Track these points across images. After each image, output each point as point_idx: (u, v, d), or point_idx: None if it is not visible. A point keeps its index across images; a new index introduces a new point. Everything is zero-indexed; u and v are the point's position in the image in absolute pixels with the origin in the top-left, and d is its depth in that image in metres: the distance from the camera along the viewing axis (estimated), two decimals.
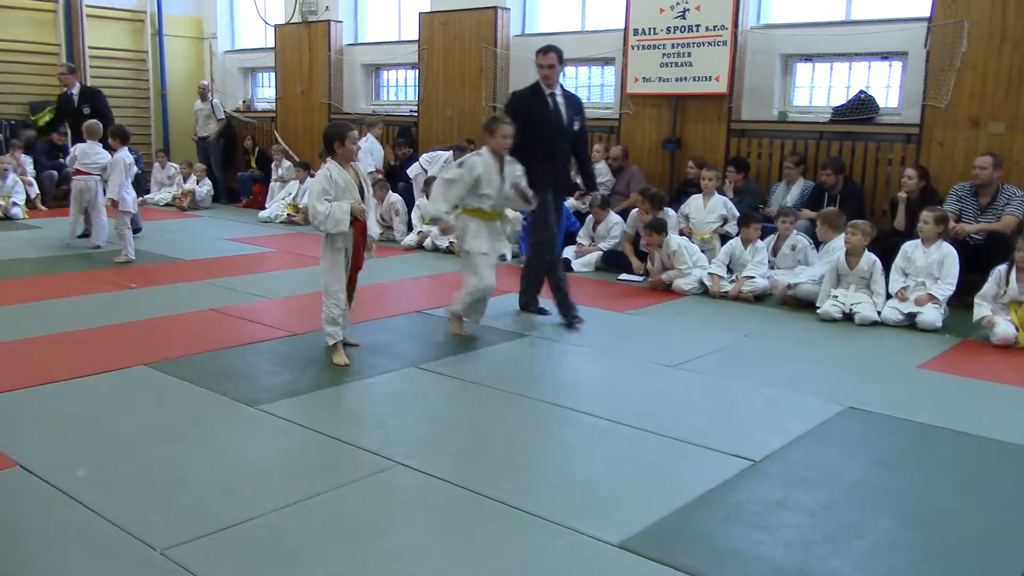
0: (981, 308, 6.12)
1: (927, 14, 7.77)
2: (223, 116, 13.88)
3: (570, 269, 8.50)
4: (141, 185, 12.90)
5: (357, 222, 5.17)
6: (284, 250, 9.56)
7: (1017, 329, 5.93)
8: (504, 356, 5.50)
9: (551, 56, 6.13)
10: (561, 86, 6.30)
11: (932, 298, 6.41)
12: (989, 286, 6.17)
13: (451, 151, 10.35)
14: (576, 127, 6.32)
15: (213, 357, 5.30)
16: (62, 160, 12.87)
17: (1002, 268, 6.14)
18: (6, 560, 2.91)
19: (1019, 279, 6.04)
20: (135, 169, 8.85)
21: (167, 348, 5.43)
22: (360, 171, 5.37)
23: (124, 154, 8.46)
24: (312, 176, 11.92)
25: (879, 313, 6.48)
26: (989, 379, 5.22)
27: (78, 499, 3.31)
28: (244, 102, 15.03)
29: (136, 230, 9.75)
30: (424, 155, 10.72)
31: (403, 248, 9.70)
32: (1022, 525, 3.31)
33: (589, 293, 7.47)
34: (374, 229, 5.46)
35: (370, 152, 10.76)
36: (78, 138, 9.91)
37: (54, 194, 12.61)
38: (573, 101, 6.36)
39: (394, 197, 10.33)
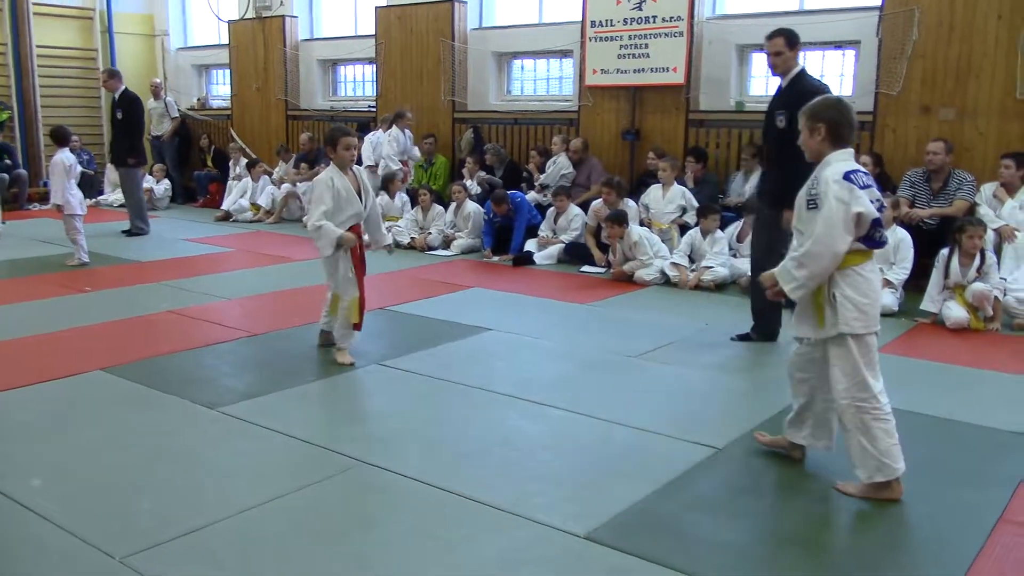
0: (930, 304, 6.24)
1: (878, 3, 7.88)
2: (177, 114, 13.66)
3: (532, 262, 8.51)
4: (94, 186, 12.70)
5: (355, 226, 5.08)
6: (242, 249, 9.44)
7: (968, 314, 6.04)
8: (467, 351, 5.48)
9: (775, 41, 5.37)
10: (800, 75, 5.36)
11: (888, 283, 6.49)
12: (935, 278, 6.27)
13: (391, 123, 10.30)
14: (780, 124, 5.28)
15: (171, 360, 5.22)
16: (9, 162, 12.62)
17: (944, 253, 6.26)
18: None
19: (961, 263, 6.15)
20: (78, 170, 8.65)
21: (124, 352, 5.34)
22: (360, 176, 5.18)
23: (64, 155, 8.25)
24: (267, 174, 11.89)
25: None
26: (944, 361, 5.31)
27: (33, 509, 3.24)
28: (199, 100, 14.81)
29: (139, 231, 10.16)
30: (366, 144, 10.57)
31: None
32: (979, 501, 3.37)
33: (551, 285, 7.47)
34: (382, 236, 5.43)
35: (378, 144, 10.58)
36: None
37: (4, 197, 12.32)
38: (786, 92, 5.36)
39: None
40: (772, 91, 9.03)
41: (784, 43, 5.33)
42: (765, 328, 5.65)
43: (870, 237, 3.25)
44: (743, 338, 5.69)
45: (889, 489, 3.33)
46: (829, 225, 3.20)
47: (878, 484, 3.32)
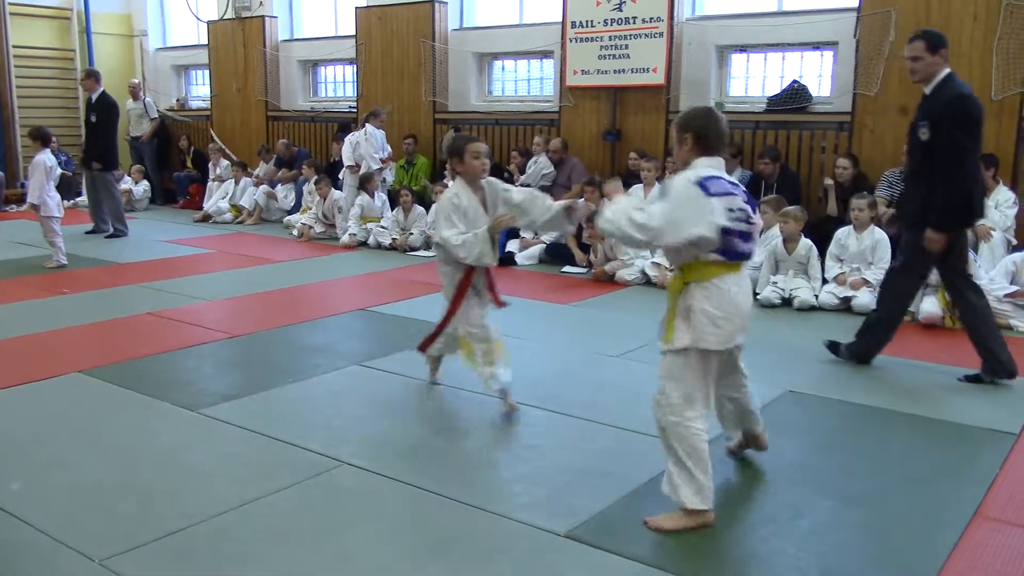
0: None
1: (856, 4, 7.94)
2: (156, 115, 13.58)
3: (513, 262, 8.52)
4: (72, 188, 12.59)
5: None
6: (223, 251, 9.40)
7: (942, 311, 6.11)
8: None
9: (914, 45, 4.79)
10: (945, 81, 4.74)
11: (866, 282, 6.57)
12: None
13: (364, 123, 10.25)
14: (923, 136, 4.74)
15: (151, 362, 5.19)
16: None
17: None
18: None
19: None
20: (58, 172, 8.58)
21: (103, 354, 5.30)
22: (491, 188, 4.42)
23: (44, 156, 8.19)
24: (250, 176, 11.83)
25: (816, 297, 6.63)
26: (922, 359, 5.37)
27: (12, 513, 3.22)
28: (178, 100, 14.71)
29: (119, 233, 10.10)
30: (346, 144, 10.53)
31: (344, 246, 9.60)
32: (954, 498, 3.41)
33: (533, 286, 7.49)
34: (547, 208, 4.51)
35: (357, 145, 10.45)
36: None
37: None
38: (929, 101, 4.81)
39: (336, 194, 10.22)
40: (752, 92, 9.20)
41: (924, 47, 4.73)
42: (995, 363, 4.87)
43: (727, 248, 3.10)
44: (973, 380, 4.92)
45: (700, 516, 3.14)
46: (664, 213, 3.08)
47: (693, 511, 3.13)
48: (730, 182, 3.20)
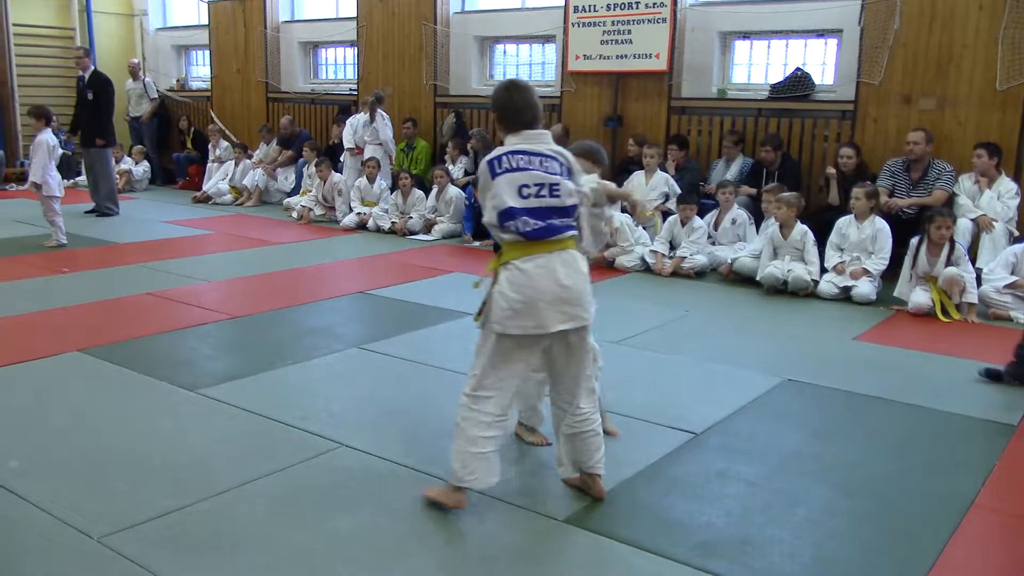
0: (902, 292, 6.34)
1: None
2: (156, 96, 13.52)
3: None
4: (72, 167, 12.55)
5: None
6: (222, 232, 9.38)
7: (932, 302, 6.11)
8: (447, 335, 5.48)
9: None
10: None
11: (866, 272, 6.56)
12: (905, 267, 6.37)
13: (369, 107, 10.18)
14: None
15: (151, 342, 5.19)
16: None
17: (914, 243, 6.35)
18: None
19: (930, 253, 6.21)
20: (59, 151, 8.54)
21: (102, 334, 5.30)
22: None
23: (46, 135, 8.16)
24: (250, 158, 11.80)
25: (813, 282, 6.63)
26: (920, 349, 5.37)
27: (11, 489, 3.22)
28: (178, 81, 14.64)
29: (108, 212, 10.10)
30: (347, 127, 10.52)
31: (343, 228, 9.58)
32: (952, 488, 3.42)
33: None
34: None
35: (359, 128, 10.39)
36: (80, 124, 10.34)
37: None
38: None
39: (336, 177, 10.20)
40: (755, 80, 9.17)
41: None
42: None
43: (517, 229, 2.97)
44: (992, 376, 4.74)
45: (456, 496, 3.11)
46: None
47: (451, 487, 3.12)
48: (523, 154, 3.02)
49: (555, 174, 3.03)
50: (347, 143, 10.37)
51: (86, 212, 10.13)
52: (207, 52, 13.72)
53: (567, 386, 3.19)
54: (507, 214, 2.98)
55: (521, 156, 3.02)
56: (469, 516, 3.12)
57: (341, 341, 5.27)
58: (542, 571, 2.80)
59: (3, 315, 5.69)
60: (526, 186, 2.99)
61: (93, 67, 10.25)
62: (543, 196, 3.00)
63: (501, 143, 3.14)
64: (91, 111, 10.14)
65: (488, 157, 3.05)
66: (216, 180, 11.92)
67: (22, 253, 7.85)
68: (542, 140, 3.10)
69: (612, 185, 3.47)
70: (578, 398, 3.19)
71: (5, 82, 12.97)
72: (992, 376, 4.71)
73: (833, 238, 6.86)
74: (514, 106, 3.10)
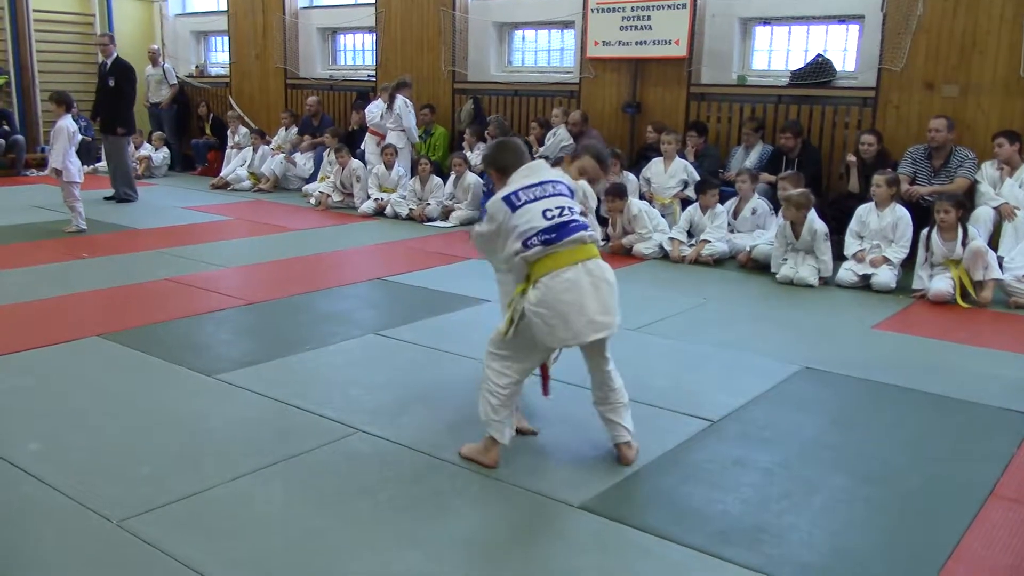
0: (918, 280, 6.29)
1: None
2: (175, 82, 13.56)
3: None
4: (91, 153, 12.62)
5: None
6: (241, 218, 9.42)
7: (954, 288, 6.05)
8: (464, 322, 5.48)
9: None
10: None
11: (886, 260, 6.51)
12: (919, 255, 6.33)
13: (390, 92, 10.13)
14: None
15: (169, 327, 5.23)
16: (7, 127, 12.55)
17: (924, 231, 6.29)
18: None
19: (944, 239, 6.16)
20: (79, 137, 8.57)
21: (122, 319, 5.34)
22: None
23: (67, 122, 8.20)
24: (267, 144, 11.81)
25: (821, 279, 6.58)
26: (940, 338, 5.32)
27: (32, 473, 3.26)
28: (197, 67, 14.68)
29: (128, 199, 10.11)
30: (371, 112, 10.49)
31: (362, 215, 9.60)
32: (970, 477, 3.39)
33: None
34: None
35: (380, 115, 10.32)
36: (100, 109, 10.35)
37: (1, 163, 12.28)
38: None
39: (355, 163, 10.20)
40: (775, 66, 9.08)
41: None
42: None
43: (529, 245, 3.24)
44: None
45: (491, 454, 3.36)
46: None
47: (484, 445, 3.38)
48: (540, 183, 3.32)
49: (564, 195, 3.34)
50: (376, 127, 10.35)
51: (106, 198, 10.19)
52: (226, 38, 13.75)
53: (597, 376, 3.47)
54: (531, 233, 3.21)
55: (535, 187, 3.32)
56: (484, 501, 3.13)
57: (358, 327, 5.28)
58: (557, 557, 2.80)
59: (24, 300, 5.74)
60: (549, 210, 3.26)
61: (116, 54, 10.23)
62: (564, 216, 3.27)
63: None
64: (111, 98, 10.11)
65: (502, 194, 3.33)
66: (234, 166, 11.95)
67: (42, 238, 7.92)
68: (541, 167, 3.47)
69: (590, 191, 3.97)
70: (607, 381, 3.46)
71: (26, 68, 13.04)
72: None
73: (853, 226, 6.80)
74: (510, 150, 3.52)
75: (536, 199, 3.27)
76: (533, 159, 3.54)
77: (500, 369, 3.34)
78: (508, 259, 3.33)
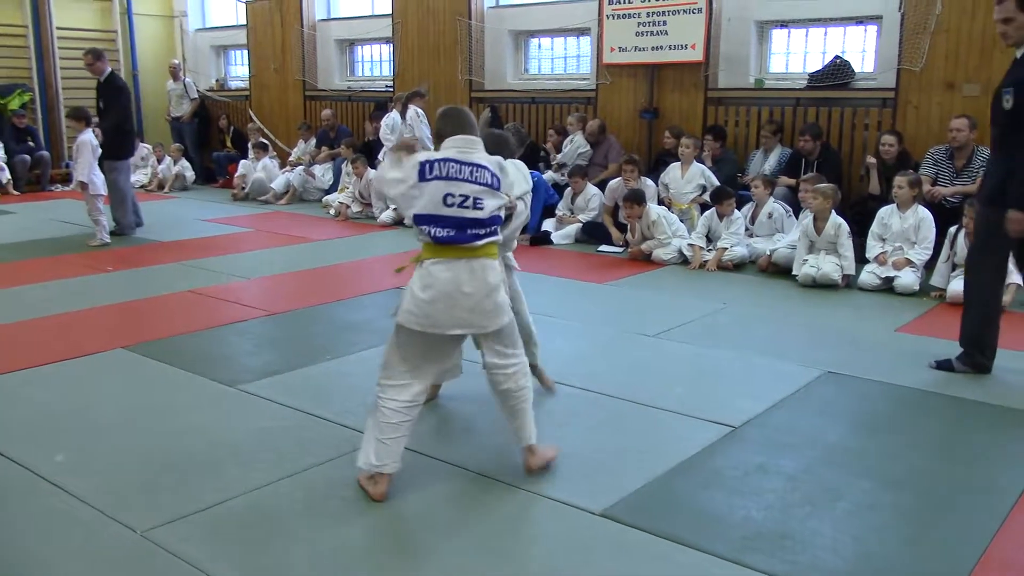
0: (939, 279, 6.24)
1: None
2: (196, 96, 13.71)
3: (550, 241, 8.49)
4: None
5: None
6: (262, 229, 9.49)
7: None
8: None
9: (1005, 6, 4.37)
10: None
11: (909, 262, 6.45)
12: (943, 253, 6.27)
13: (406, 101, 10.15)
14: (1006, 104, 4.28)
15: (192, 339, 5.27)
16: (31, 144, 12.72)
17: (952, 231, 6.23)
18: None
19: (968, 241, 6.07)
20: (99, 151, 8.59)
21: (145, 331, 5.39)
22: None
23: (88, 135, 8.29)
24: (272, 159, 11.86)
25: (845, 276, 6.52)
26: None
27: (57, 484, 3.29)
28: (217, 81, 14.84)
29: (137, 224, 9.09)
30: (384, 125, 10.52)
31: (381, 225, 9.64)
32: (996, 482, 3.35)
33: (569, 265, 7.46)
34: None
35: (391, 128, 10.35)
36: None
37: (27, 179, 12.46)
38: (1019, 65, 4.37)
39: (372, 173, 10.24)
40: (793, 69, 9.05)
41: (1015, 6, 4.28)
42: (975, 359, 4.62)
43: (421, 230, 3.13)
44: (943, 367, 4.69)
45: (378, 487, 3.19)
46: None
47: (369, 476, 3.22)
48: (464, 163, 3.13)
49: (484, 184, 3.14)
50: (385, 141, 10.41)
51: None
52: (245, 52, 13.88)
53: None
54: (425, 219, 3.09)
55: (453, 164, 3.12)
56: (506, 510, 3.13)
57: (378, 336, 5.28)
58: (579, 565, 2.79)
59: (50, 313, 5.81)
60: (451, 195, 3.09)
61: (109, 70, 9.02)
62: (466, 207, 3.10)
63: None
64: (104, 121, 9.00)
65: (421, 158, 3.13)
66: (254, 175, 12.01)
67: (67, 252, 8.01)
68: (476, 148, 3.22)
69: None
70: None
71: (50, 85, 13.23)
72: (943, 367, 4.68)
73: (875, 228, 6.75)
74: (449, 117, 3.29)
75: (445, 177, 3.08)
76: (475, 136, 3.27)
77: (397, 388, 3.22)
78: (405, 218, 3.24)
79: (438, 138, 3.27)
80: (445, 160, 3.12)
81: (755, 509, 3.12)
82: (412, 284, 3.16)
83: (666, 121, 9.31)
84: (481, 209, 3.14)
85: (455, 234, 3.11)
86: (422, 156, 3.13)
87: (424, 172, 3.09)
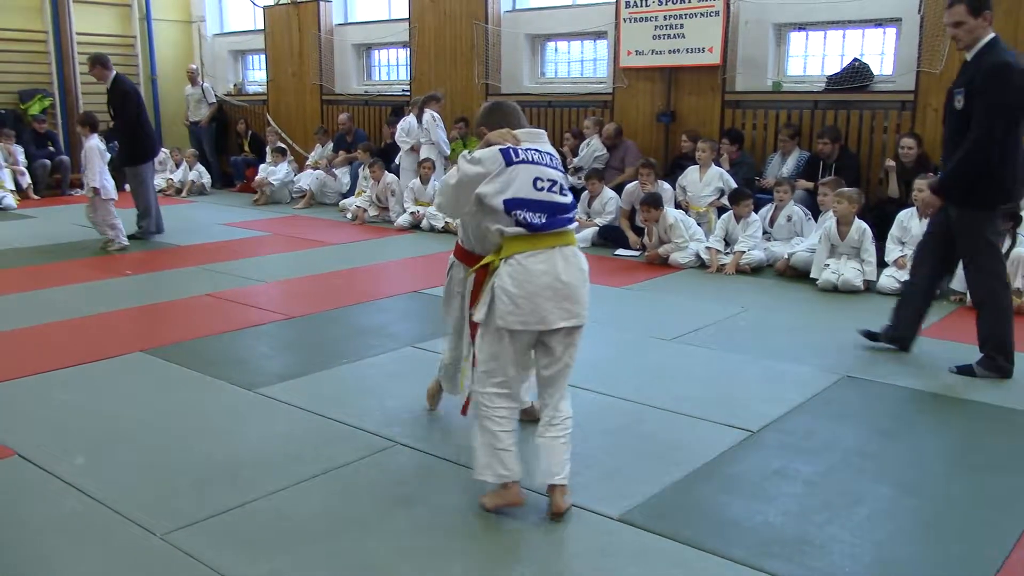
0: (957, 283, 6.09)
1: None
2: (214, 100, 13.80)
3: None
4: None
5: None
6: (279, 233, 9.53)
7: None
8: None
9: (954, 10, 4.46)
10: (989, 46, 4.44)
11: None
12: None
13: (422, 105, 10.16)
14: (958, 104, 4.51)
15: (210, 342, 5.30)
16: (52, 149, 12.84)
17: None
18: (6, 549, 2.91)
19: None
20: (108, 155, 8.60)
21: (164, 334, 5.43)
22: None
23: (95, 141, 8.32)
24: (289, 162, 11.92)
25: (864, 282, 6.49)
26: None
27: (77, 486, 3.32)
28: (235, 85, 14.93)
29: (158, 231, 9.11)
30: (399, 128, 10.56)
31: (398, 228, 9.66)
32: (1019, 487, 3.32)
33: None
34: None
35: (407, 132, 10.40)
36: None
37: (47, 183, 12.58)
38: (970, 67, 4.51)
39: (390, 177, 10.28)
40: (811, 71, 9.00)
41: (965, 11, 4.40)
42: (1001, 362, 4.61)
43: (512, 216, 3.01)
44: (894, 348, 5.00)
45: (509, 495, 3.09)
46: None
47: (498, 489, 3.10)
48: (540, 151, 3.12)
49: (559, 171, 3.15)
50: (401, 144, 10.44)
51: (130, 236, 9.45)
52: (263, 56, 13.96)
53: (554, 384, 3.19)
54: (518, 203, 3.00)
55: (534, 151, 3.10)
56: (525, 515, 3.12)
57: (395, 340, 5.31)
58: (597, 570, 2.79)
59: (70, 316, 5.86)
60: (540, 179, 3.05)
61: (114, 75, 8.92)
62: (553, 192, 3.07)
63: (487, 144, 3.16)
64: (116, 127, 9.05)
65: (500, 146, 3.07)
66: (279, 177, 12.08)
67: (87, 257, 8.08)
68: (542, 139, 3.21)
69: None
70: (563, 399, 3.21)
71: (70, 90, 13.34)
72: (869, 337, 5.08)
73: (894, 232, 6.70)
74: (508, 110, 3.31)
75: (532, 162, 3.05)
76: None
77: (503, 397, 3.10)
78: (472, 214, 3.14)
79: (491, 131, 3.20)
80: (525, 149, 3.09)
81: (773, 514, 3.11)
82: (500, 283, 3.00)
83: (683, 125, 9.28)
84: (566, 195, 3.12)
85: (547, 220, 3.03)
86: (498, 145, 3.08)
87: (509, 157, 3.04)
